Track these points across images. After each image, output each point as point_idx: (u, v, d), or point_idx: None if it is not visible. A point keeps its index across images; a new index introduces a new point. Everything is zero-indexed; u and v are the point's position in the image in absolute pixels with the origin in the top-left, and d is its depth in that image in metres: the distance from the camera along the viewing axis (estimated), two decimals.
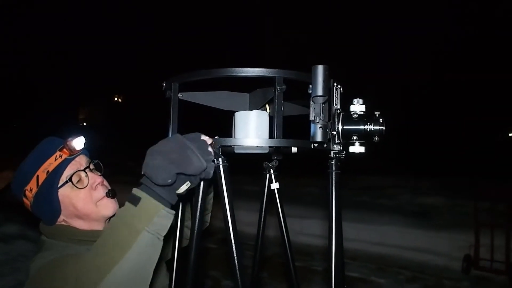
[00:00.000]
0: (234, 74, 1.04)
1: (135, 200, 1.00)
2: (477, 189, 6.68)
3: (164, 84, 1.16)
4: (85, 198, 1.37)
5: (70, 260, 1.16)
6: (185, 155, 0.94)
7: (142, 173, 1.00)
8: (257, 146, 1.05)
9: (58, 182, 1.33)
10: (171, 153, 0.95)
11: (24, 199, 1.37)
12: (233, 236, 1.05)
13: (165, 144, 0.98)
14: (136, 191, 1.02)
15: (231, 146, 1.05)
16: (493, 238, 5.61)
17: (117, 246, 1.00)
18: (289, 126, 1.14)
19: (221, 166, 1.03)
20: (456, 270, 5.68)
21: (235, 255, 1.04)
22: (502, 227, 5.59)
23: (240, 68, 1.03)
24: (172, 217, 1.04)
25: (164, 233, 1.03)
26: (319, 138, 0.98)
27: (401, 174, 13.19)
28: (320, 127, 0.98)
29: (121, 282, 1.00)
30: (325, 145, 1.04)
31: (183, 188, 1.00)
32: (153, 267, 1.06)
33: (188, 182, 1.00)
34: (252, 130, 1.08)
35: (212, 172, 0.99)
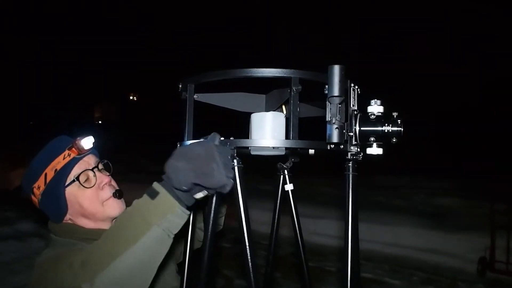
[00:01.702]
0: (250, 74, 1.03)
1: (153, 194, 1.02)
2: (494, 190, 6.56)
3: (180, 86, 1.15)
4: (91, 197, 1.37)
5: (76, 252, 1.17)
6: (208, 167, 0.94)
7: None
8: (273, 148, 1.04)
9: (65, 181, 1.34)
10: (196, 160, 0.95)
11: (32, 196, 1.39)
12: (247, 236, 1.04)
13: (194, 148, 0.97)
14: (156, 185, 1.03)
15: (246, 147, 1.05)
16: (509, 240, 5.51)
17: (126, 236, 1.01)
18: (307, 128, 1.13)
19: (236, 168, 1.02)
20: (471, 272, 5.60)
21: (248, 256, 1.03)
22: None
23: (256, 69, 1.02)
24: (186, 217, 1.04)
25: (176, 231, 1.04)
26: (335, 139, 0.97)
27: (416, 175, 13.05)
28: (336, 128, 0.97)
29: (124, 272, 1.01)
30: (342, 146, 1.03)
31: (199, 195, 1.01)
32: (158, 263, 1.06)
33: (205, 191, 1.01)
34: (268, 131, 1.07)
35: (229, 189, 0.98)
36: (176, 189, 0.99)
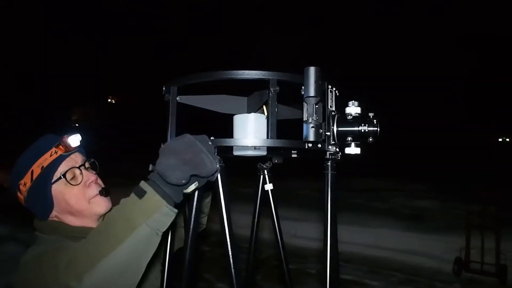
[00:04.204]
0: (230, 76, 1.05)
1: (141, 193, 1.03)
2: (469, 192, 6.77)
3: (164, 88, 1.17)
4: (78, 194, 1.38)
5: (61, 251, 1.16)
6: (199, 157, 0.97)
7: (150, 169, 1.03)
8: (254, 148, 1.06)
9: (52, 178, 1.34)
10: (185, 153, 0.97)
11: (18, 193, 1.38)
12: (229, 235, 1.06)
13: (178, 144, 0.99)
14: (143, 184, 1.04)
15: (227, 147, 1.07)
16: (484, 241, 5.68)
17: (113, 235, 1.02)
18: (295, 131, 1.15)
19: (217, 166, 1.04)
20: (448, 272, 5.75)
21: (230, 255, 1.05)
22: (493, 230, 5.66)
23: (235, 71, 1.05)
24: (174, 215, 1.05)
25: (163, 230, 1.05)
26: (311, 137, 1.00)
27: (395, 178, 13.28)
28: (312, 127, 1.00)
29: (113, 271, 1.02)
30: (319, 145, 1.06)
31: (191, 188, 1.03)
32: (147, 262, 1.07)
33: (196, 182, 1.03)
34: (250, 132, 1.10)
35: (216, 175, 1.03)
36: (174, 185, 1.00)
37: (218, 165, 1.00)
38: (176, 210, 1.05)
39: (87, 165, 1.44)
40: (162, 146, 1.09)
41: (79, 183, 1.38)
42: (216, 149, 1.04)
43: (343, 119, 1.09)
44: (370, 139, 1.07)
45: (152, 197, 1.01)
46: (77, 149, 1.42)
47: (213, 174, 1.01)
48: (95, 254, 1.01)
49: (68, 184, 1.36)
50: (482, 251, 5.62)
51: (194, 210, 1.09)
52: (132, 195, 1.04)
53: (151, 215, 1.01)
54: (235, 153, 1.09)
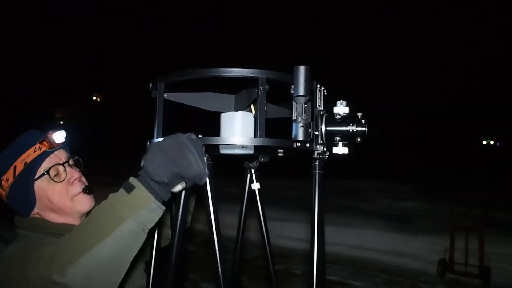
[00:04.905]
0: (219, 74, 1.04)
1: (129, 188, 1.02)
2: (454, 194, 6.85)
3: (151, 85, 1.15)
4: (61, 192, 1.36)
5: (45, 246, 1.14)
6: (185, 157, 0.96)
7: (141, 165, 1.02)
8: (242, 146, 1.05)
9: (35, 174, 1.32)
10: (172, 151, 0.97)
11: (0, 189, 1.36)
12: (216, 235, 1.05)
13: (168, 142, 0.99)
14: (132, 179, 1.03)
15: (215, 145, 1.06)
16: (468, 242, 5.76)
17: (99, 228, 1.01)
18: (282, 130, 1.15)
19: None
20: (432, 273, 5.80)
21: (218, 255, 1.04)
22: (477, 232, 5.73)
23: (224, 69, 1.04)
24: (161, 212, 1.04)
25: (150, 226, 1.04)
26: (300, 137, 1.00)
27: (380, 179, 13.39)
28: (301, 126, 1.00)
29: (97, 264, 1.00)
30: (308, 144, 1.05)
31: (178, 188, 1.02)
32: (132, 257, 1.06)
33: (183, 182, 1.02)
34: (237, 130, 1.09)
35: (204, 179, 1.01)
36: (157, 183, 0.99)
37: (206, 170, 0.99)
38: (163, 207, 1.04)
39: (71, 162, 1.43)
40: (148, 144, 1.08)
41: (63, 180, 1.37)
42: (203, 147, 1.03)
43: (331, 119, 1.09)
44: (358, 139, 1.07)
45: (140, 192, 1.01)
46: (61, 145, 1.40)
47: (200, 178, 1.00)
48: (80, 247, 1.00)
49: (52, 181, 1.34)
50: (466, 252, 5.69)
51: (181, 208, 1.08)
52: (121, 189, 1.04)
53: (138, 210, 1.00)
54: (222, 151, 1.08)
